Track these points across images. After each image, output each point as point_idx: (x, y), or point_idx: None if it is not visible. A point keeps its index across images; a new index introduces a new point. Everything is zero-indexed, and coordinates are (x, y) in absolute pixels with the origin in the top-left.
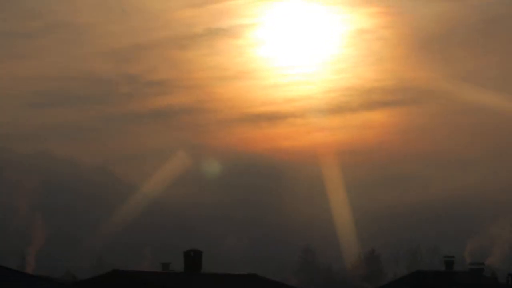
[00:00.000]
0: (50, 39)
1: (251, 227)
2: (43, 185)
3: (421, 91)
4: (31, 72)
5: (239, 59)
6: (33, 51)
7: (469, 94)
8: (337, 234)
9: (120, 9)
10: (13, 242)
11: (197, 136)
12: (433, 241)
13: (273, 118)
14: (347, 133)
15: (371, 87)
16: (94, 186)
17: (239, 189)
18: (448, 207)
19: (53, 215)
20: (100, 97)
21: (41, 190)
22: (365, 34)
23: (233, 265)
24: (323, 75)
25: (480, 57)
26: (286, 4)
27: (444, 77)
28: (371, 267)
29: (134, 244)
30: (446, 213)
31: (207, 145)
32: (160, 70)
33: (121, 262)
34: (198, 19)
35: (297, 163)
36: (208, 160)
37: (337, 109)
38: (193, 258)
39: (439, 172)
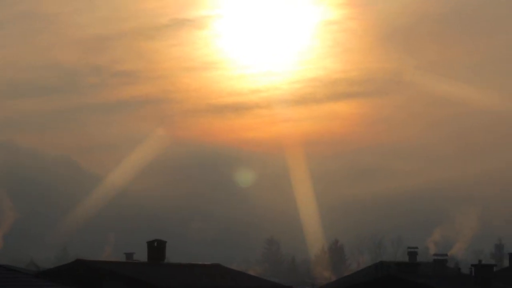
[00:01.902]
0: (15, 28)
1: (215, 219)
2: (7, 176)
3: (387, 82)
4: None
5: (205, 50)
6: None
7: (436, 85)
8: (302, 225)
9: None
10: None
11: (163, 126)
12: (397, 233)
13: (238, 108)
14: (313, 124)
15: (337, 78)
16: (59, 177)
17: (204, 181)
18: (413, 199)
19: (17, 205)
20: (66, 88)
21: (5, 181)
22: (330, 25)
23: (197, 256)
24: (289, 66)
25: (447, 48)
26: None
27: (411, 68)
28: (334, 257)
29: (99, 235)
30: (411, 205)
31: (173, 136)
32: (127, 60)
33: (86, 253)
34: (164, 9)
35: (262, 154)
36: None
37: (302, 100)
38: (156, 248)
39: (404, 164)
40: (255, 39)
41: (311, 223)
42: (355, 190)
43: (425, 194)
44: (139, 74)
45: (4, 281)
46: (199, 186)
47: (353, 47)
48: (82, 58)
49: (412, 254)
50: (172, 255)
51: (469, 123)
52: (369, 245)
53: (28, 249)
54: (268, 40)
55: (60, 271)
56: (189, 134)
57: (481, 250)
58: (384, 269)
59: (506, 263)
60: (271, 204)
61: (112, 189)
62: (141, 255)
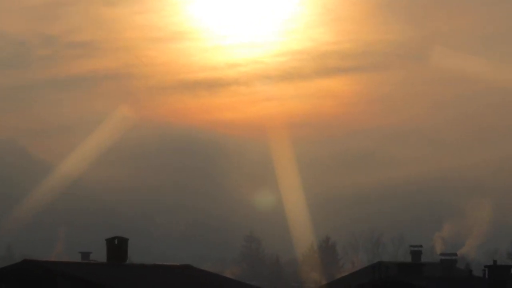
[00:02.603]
0: None
1: (187, 212)
2: None
3: (386, 55)
4: None
5: (174, 18)
6: None
7: (441, 59)
8: (287, 220)
9: None
10: None
11: (125, 106)
12: (398, 229)
13: (213, 85)
14: (299, 103)
15: (327, 50)
16: (3, 164)
17: (174, 168)
18: (416, 190)
19: None
20: (13, 61)
21: None
22: None
23: (164, 255)
24: (272, 36)
25: (457, 17)
26: None
27: (412, 40)
28: (325, 257)
29: (49, 232)
30: (414, 197)
31: (136, 117)
32: (83, 30)
33: (34, 252)
34: None
35: (242, 138)
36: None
37: (287, 76)
38: (117, 246)
39: (406, 150)
40: (233, 5)
41: (298, 217)
42: (349, 180)
43: (430, 185)
44: (98, 46)
45: None
46: (168, 175)
47: (347, 15)
48: (30, 28)
49: (416, 253)
50: (135, 255)
51: (481, 102)
52: (366, 243)
53: None
54: (248, 6)
55: (4, 273)
56: (156, 115)
57: (495, 249)
58: (383, 271)
59: None
60: (251, 196)
61: (66, 179)
62: (99, 254)
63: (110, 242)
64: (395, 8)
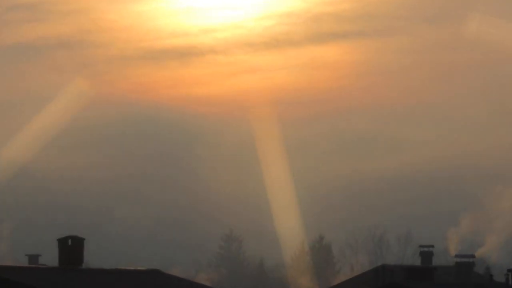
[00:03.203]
0: None
1: (154, 206)
2: None
3: (391, 19)
4: None
5: None
6: None
7: (458, 22)
8: (272, 216)
9: None
10: None
11: (81, 80)
12: (405, 226)
13: (185, 55)
14: (288, 75)
15: (321, 12)
16: None
17: (138, 154)
18: (427, 179)
19: None
20: None
21: None
22: None
23: (127, 258)
24: None
25: None
26: None
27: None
28: (318, 260)
29: None
30: (425, 188)
31: (93, 93)
32: None
33: None
34: None
35: (219, 117)
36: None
37: (273, 43)
38: (71, 247)
39: (415, 132)
40: None
41: (286, 212)
42: (347, 167)
43: (444, 173)
44: (47, 8)
45: None
46: (131, 161)
47: None
48: None
49: (426, 255)
50: (93, 257)
51: (504, 73)
52: (367, 242)
53: None
54: None
55: None
56: (117, 90)
57: None
58: (387, 276)
59: None
60: (231, 187)
61: (7, 167)
62: (50, 257)
63: (62, 242)
64: None
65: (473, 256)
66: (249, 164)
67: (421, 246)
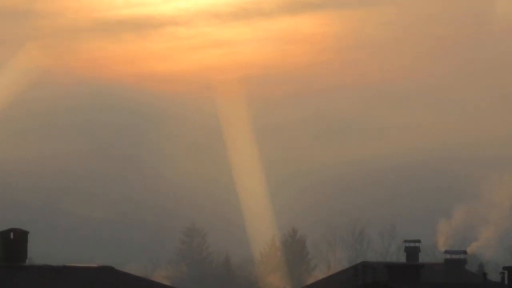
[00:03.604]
0: None
1: (107, 197)
2: None
3: None
4: None
5: None
6: None
7: None
8: (240, 208)
9: None
10: None
11: (24, 54)
12: (389, 218)
13: (142, 27)
14: (258, 50)
15: None
16: None
17: (89, 138)
18: (414, 167)
19: None
20: None
21: None
22: None
23: (77, 254)
24: None
25: None
26: None
27: None
28: (292, 257)
29: None
30: (411, 177)
31: (40, 69)
32: None
33: None
34: None
35: (180, 97)
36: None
37: (242, 13)
38: (13, 241)
39: (401, 115)
40: None
41: (255, 204)
42: (323, 154)
43: (432, 161)
44: None
45: None
46: (81, 146)
47: None
48: None
49: (412, 251)
50: (38, 253)
51: (504, 49)
52: (346, 237)
53: None
54: None
55: None
56: (66, 66)
57: None
58: (368, 274)
59: None
60: (193, 175)
61: None
62: None
63: (4, 236)
64: None
65: (464, 252)
66: (214, 150)
67: (406, 241)
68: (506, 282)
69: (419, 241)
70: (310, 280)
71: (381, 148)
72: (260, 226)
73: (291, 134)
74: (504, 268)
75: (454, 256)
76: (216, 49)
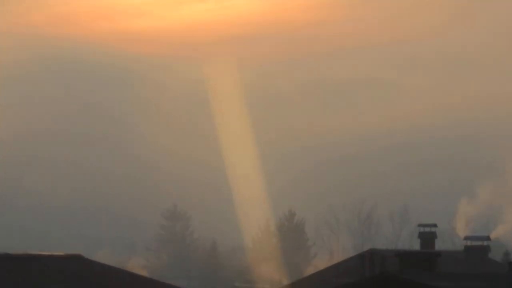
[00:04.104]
0: None
1: (76, 172)
2: None
3: None
4: None
5: None
6: None
7: None
8: (229, 187)
9: None
10: None
11: None
12: (401, 199)
13: None
14: (249, 5)
15: None
16: None
17: (54, 106)
18: (427, 138)
19: None
20: None
21: None
22: None
23: (40, 239)
24: None
25: None
26: None
27: None
28: (288, 243)
29: None
30: (425, 150)
31: None
32: None
33: None
34: None
35: (162, 58)
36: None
37: None
38: None
39: (416, 77)
40: None
41: (246, 182)
42: (326, 123)
43: (452, 130)
44: None
45: None
46: (44, 116)
47: None
48: None
49: (427, 236)
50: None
51: None
52: (351, 221)
53: None
54: None
55: None
56: (27, 23)
57: None
58: (376, 263)
59: None
60: (176, 148)
61: None
62: None
63: None
64: None
65: (487, 238)
66: (200, 122)
67: (420, 225)
68: None
69: (435, 225)
70: (310, 270)
71: (391, 116)
72: (252, 208)
73: (287, 101)
74: None
75: (475, 243)
76: (203, 4)
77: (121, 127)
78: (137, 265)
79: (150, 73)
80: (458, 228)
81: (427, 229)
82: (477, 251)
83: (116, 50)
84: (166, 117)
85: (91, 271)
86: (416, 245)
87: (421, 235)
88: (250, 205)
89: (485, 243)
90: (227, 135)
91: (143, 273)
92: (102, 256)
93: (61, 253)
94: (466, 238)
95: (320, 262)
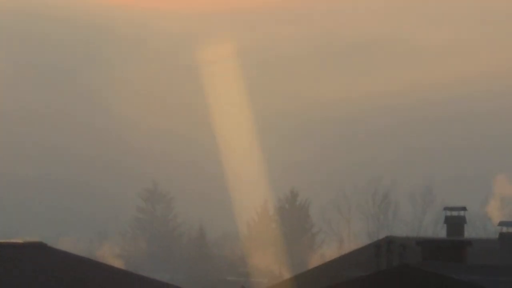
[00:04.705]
0: None
1: (39, 147)
2: None
3: None
4: None
5: None
6: None
7: None
8: (219, 163)
9: None
10: None
11: None
12: (423, 178)
13: None
14: None
15: None
16: None
17: (12, 69)
18: (454, 104)
19: None
20: None
21: None
22: None
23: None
24: None
25: None
26: None
27: None
28: (290, 229)
29: None
30: (451, 118)
31: None
32: None
33: None
34: None
35: (141, 9)
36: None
37: None
38: None
39: (437, 34)
40: None
41: (240, 158)
42: (334, 92)
43: (483, 94)
44: None
45: None
46: (4, 79)
47: None
48: None
49: (455, 222)
50: None
51: None
52: (364, 202)
53: None
54: None
55: None
56: None
57: None
58: (395, 254)
59: None
60: (157, 119)
61: None
62: None
63: None
64: None
65: None
66: (186, 83)
67: (447, 208)
68: None
69: (464, 208)
70: (316, 261)
71: (411, 82)
72: (247, 188)
73: (291, 68)
74: None
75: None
76: None
77: (93, 92)
78: (110, 254)
79: (127, 26)
80: (491, 212)
81: (455, 213)
82: None
83: (101, 7)
84: (146, 79)
85: (53, 261)
86: (441, 232)
87: (448, 220)
88: (245, 185)
89: None
90: (218, 105)
91: (117, 263)
92: (69, 243)
93: (20, 241)
94: (501, 223)
95: (328, 252)
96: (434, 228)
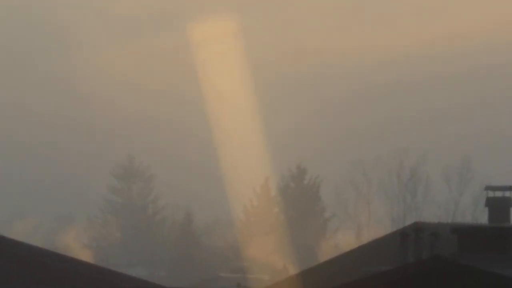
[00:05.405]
0: None
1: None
2: None
3: None
4: None
5: None
6: None
7: None
8: (210, 133)
9: None
10: None
11: None
12: (458, 150)
13: None
14: None
15: None
16: None
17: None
18: (493, 60)
19: None
20: None
21: None
22: None
23: None
24: None
25: None
26: None
27: None
28: (297, 212)
29: None
30: (492, 76)
31: None
32: None
33: None
34: None
35: None
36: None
37: None
38: None
39: None
40: None
41: (236, 127)
42: (347, 44)
43: None
44: None
45: None
46: None
47: None
48: None
49: (498, 204)
50: None
51: None
52: (387, 180)
53: None
54: None
55: None
56: None
57: None
58: (424, 243)
59: None
60: (136, 81)
61: None
62: None
63: None
64: None
65: None
66: (174, 42)
67: (488, 187)
68: None
69: (510, 188)
70: (328, 253)
71: (439, 32)
72: (243, 163)
73: (296, 16)
74: None
75: None
76: None
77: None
78: (76, 244)
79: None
80: None
81: (498, 194)
82: None
83: None
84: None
85: (3, 253)
86: (482, 217)
87: (490, 202)
88: (240, 159)
89: None
90: (210, 61)
91: (85, 256)
92: (26, 230)
93: None
94: None
95: (343, 241)
96: (473, 212)
